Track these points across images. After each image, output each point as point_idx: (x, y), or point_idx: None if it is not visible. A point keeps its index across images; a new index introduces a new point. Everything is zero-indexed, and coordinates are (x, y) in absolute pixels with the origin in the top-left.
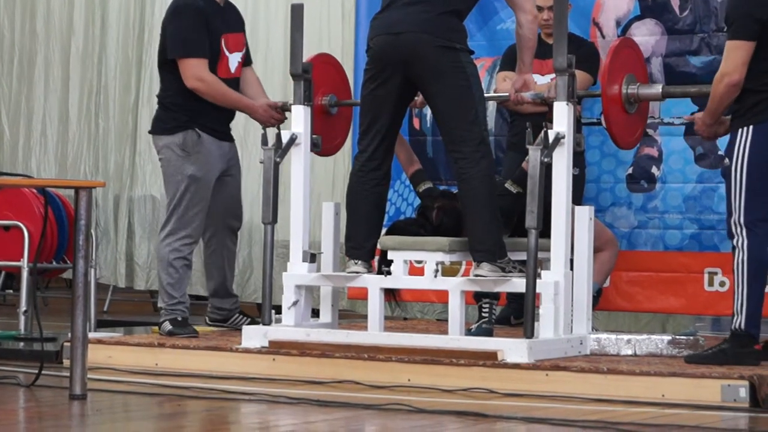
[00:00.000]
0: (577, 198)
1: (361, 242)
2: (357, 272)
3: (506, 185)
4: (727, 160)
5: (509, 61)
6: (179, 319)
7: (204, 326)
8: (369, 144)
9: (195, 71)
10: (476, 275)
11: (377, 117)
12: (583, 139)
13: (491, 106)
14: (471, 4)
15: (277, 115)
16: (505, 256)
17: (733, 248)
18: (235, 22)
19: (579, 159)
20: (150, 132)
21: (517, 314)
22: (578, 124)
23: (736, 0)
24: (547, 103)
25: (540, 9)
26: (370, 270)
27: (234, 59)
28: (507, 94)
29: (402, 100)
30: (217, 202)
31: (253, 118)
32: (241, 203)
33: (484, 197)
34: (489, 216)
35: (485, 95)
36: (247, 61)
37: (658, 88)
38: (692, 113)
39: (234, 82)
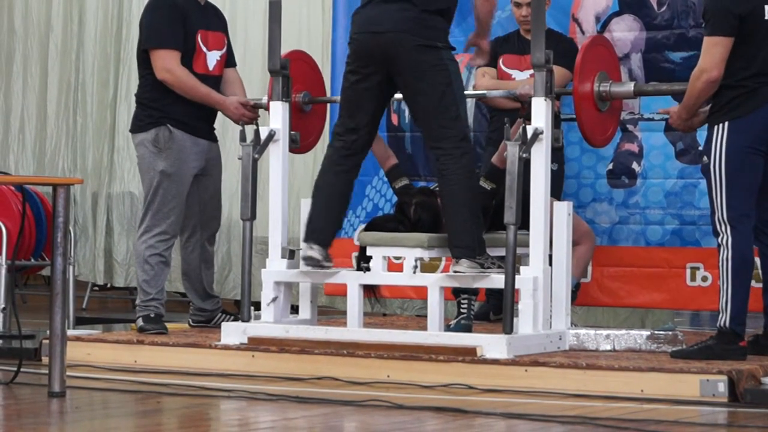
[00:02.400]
0: (556, 193)
1: (322, 226)
2: (312, 257)
3: (480, 182)
4: (705, 158)
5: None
6: (152, 315)
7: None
8: (344, 134)
9: (164, 63)
10: (455, 271)
11: (356, 110)
12: (561, 134)
13: (470, 103)
14: (455, 2)
15: (248, 112)
16: (484, 253)
17: (718, 246)
18: (215, 22)
19: (558, 155)
20: (129, 131)
21: (496, 310)
22: (557, 120)
23: None
24: (520, 101)
25: (518, 5)
26: (326, 258)
27: (212, 57)
28: (485, 91)
29: (383, 96)
30: (194, 203)
31: (225, 114)
32: (221, 205)
33: (463, 194)
34: (468, 213)
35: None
36: (230, 62)
37: (630, 86)
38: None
39: (212, 80)
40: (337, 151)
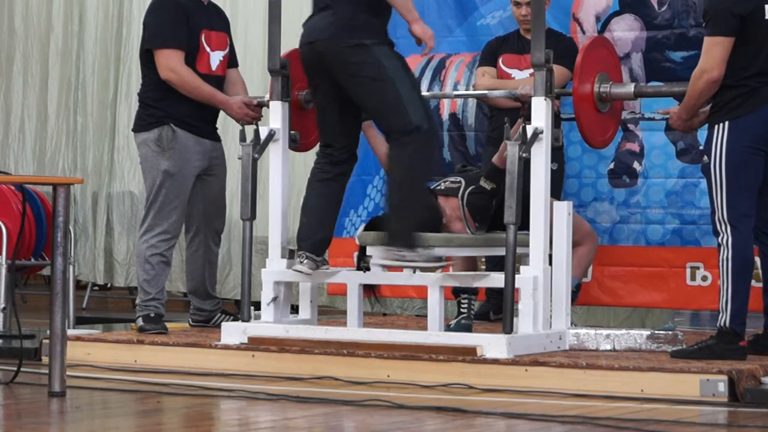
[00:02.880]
0: (556, 193)
1: (310, 235)
2: (300, 271)
3: (480, 183)
4: (705, 158)
5: (488, 56)
6: (152, 315)
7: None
8: (323, 148)
9: (168, 62)
10: (369, 256)
11: (323, 124)
12: (561, 134)
13: (471, 102)
14: None
15: (252, 112)
16: (419, 245)
17: (719, 245)
18: (218, 22)
19: (558, 154)
20: (132, 130)
21: (496, 310)
22: (557, 120)
23: None
24: (521, 100)
25: (518, 5)
26: (318, 265)
27: (216, 57)
28: (486, 91)
29: (340, 102)
30: (198, 202)
31: (228, 114)
32: (225, 204)
33: (401, 181)
34: (401, 201)
35: (464, 92)
36: (232, 62)
37: (630, 87)
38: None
39: (215, 80)
40: (319, 162)
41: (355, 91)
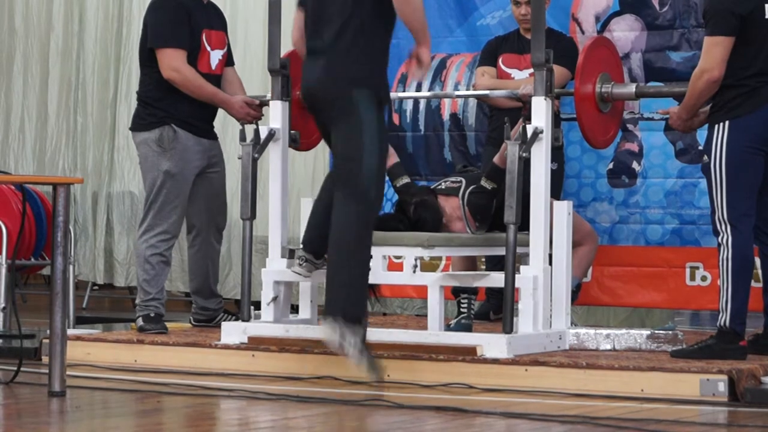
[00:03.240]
0: (556, 193)
1: (312, 237)
2: (298, 273)
3: (481, 182)
4: (705, 157)
5: (488, 56)
6: (152, 315)
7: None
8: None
9: (171, 61)
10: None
11: (332, 149)
12: (561, 134)
13: (471, 102)
14: (382, 32)
15: (253, 111)
16: (357, 324)
17: (719, 245)
18: (217, 21)
19: (557, 154)
20: (130, 129)
21: (496, 309)
22: (557, 119)
23: None
24: (522, 100)
25: (518, 4)
26: (317, 266)
27: (215, 56)
28: (487, 91)
29: None
30: (200, 200)
31: (230, 113)
32: (226, 201)
33: (345, 251)
34: (341, 271)
35: (465, 92)
36: (229, 61)
37: (631, 88)
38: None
39: (215, 79)
40: (334, 174)
41: (333, 132)
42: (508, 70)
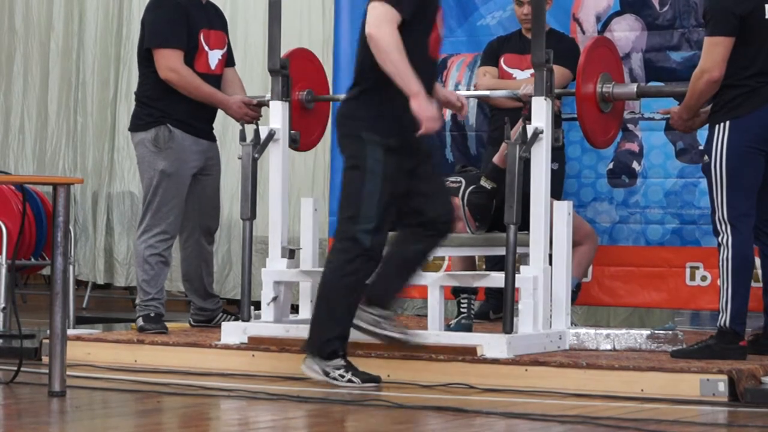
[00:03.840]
0: (557, 193)
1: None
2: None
3: (481, 182)
4: (706, 157)
5: (490, 56)
6: (152, 315)
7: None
8: None
9: (168, 62)
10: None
11: None
12: (562, 134)
13: (472, 102)
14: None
15: (251, 111)
16: (334, 359)
17: (719, 245)
18: (216, 21)
19: (558, 154)
20: (128, 129)
21: (495, 309)
22: (558, 120)
23: None
24: (522, 100)
25: (520, 3)
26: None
27: (214, 56)
28: (488, 92)
29: None
30: (193, 203)
31: (228, 113)
32: (219, 204)
33: (324, 288)
34: (323, 310)
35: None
36: (229, 61)
37: (632, 88)
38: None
39: (214, 79)
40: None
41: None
42: (510, 70)
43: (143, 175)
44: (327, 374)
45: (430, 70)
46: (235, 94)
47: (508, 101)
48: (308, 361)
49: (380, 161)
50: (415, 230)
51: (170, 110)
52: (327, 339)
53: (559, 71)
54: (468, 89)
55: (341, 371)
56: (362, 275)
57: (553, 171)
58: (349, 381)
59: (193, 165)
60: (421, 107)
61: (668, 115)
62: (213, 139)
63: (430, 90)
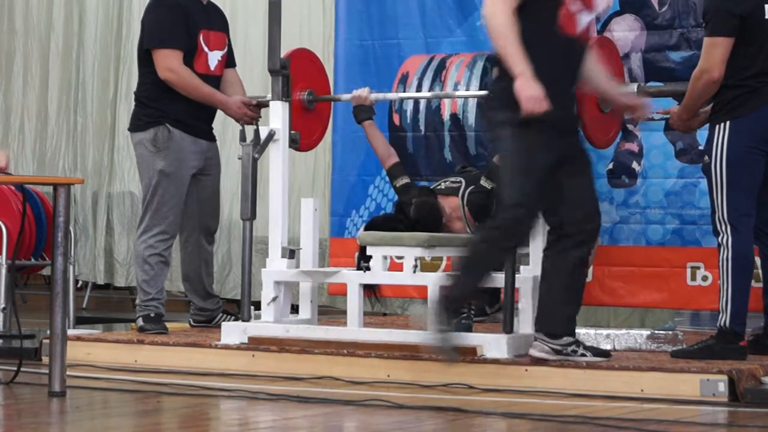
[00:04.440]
0: None
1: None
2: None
3: (481, 182)
4: (706, 157)
5: None
6: (152, 315)
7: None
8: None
9: (167, 62)
10: (529, 355)
11: None
12: None
13: (471, 103)
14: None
15: (250, 112)
16: (565, 336)
17: (719, 245)
18: (217, 22)
19: None
20: (128, 129)
21: (490, 303)
22: None
23: None
24: None
25: None
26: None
27: (213, 57)
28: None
29: None
30: (192, 203)
31: (227, 114)
32: (219, 204)
33: (546, 276)
34: (546, 291)
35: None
36: (230, 62)
37: (632, 88)
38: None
39: (213, 80)
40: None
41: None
42: None
43: (142, 175)
44: (559, 352)
45: (568, 48)
46: (235, 95)
47: None
48: (535, 347)
49: (522, 138)
50: (564, 242)
51: (169, 110)
52: (555, 319)
53: None
54: (467, 89)
55: (573, 347)
56: (511, 240)
57: None
58: (582, 355)
59: (192, 165)
60: (522, 87)
61: (668, 116)
62: (212, 139)
63: (575, 68)
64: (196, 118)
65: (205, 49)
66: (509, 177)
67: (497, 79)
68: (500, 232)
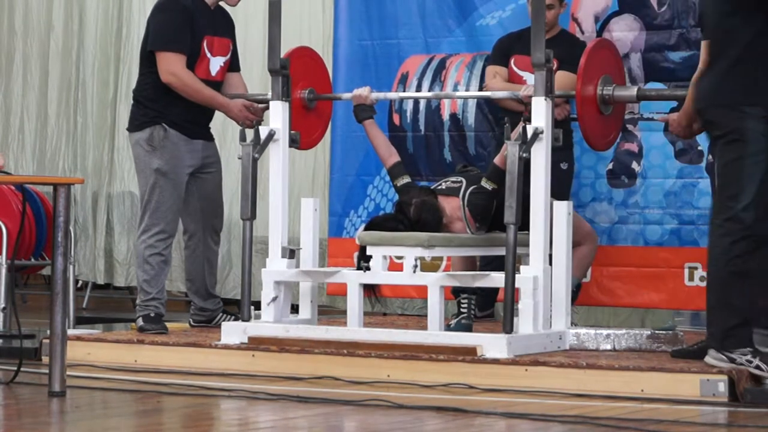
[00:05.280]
0: (565, 192)
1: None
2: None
3: (482, 183)
4: (710, 157)
5: (500, 55)
6: (152, 315)
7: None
8: None
9: (170, 65)
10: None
11: None
12: (561, 134)
13: (471, 103)
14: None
15: (251, 115)
16: (739, 347)
17: None
18: (223, 27)
19: (567, 154)
20: (126, 129)
21: (482, 307)
22: (567, 122)
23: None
24: (523, 102)
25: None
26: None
27: (216, 63)
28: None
29: None
30: (195, 201)
31: (229, 116)
32: (222, 203)
33: (714, 277)
34: (715, 300)
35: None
36: (234, 67)
37: (633, 90)
38: (670, 109)
39: (214, 86)
40: None
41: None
42: (521, 73)
43: (140, 175)
44: (733, 361)
45: None
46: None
47: (515, 104)
48: (712, 353)
49: (763, 135)
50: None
51: (166, 111)
52: (728, 329)
53: (570, 76)
54: (467, 90)
55: (748, 357)
56: (748, 257)
57: (562, 171)
58: (757, 367)
59: (188, 164)
60: None
61: (667, 121)
62: (209, 138)
63: None
64: (194, 122)
65: (208, 54)
66: (745, 176)
67: (740, 64)
68: (730, 250)
